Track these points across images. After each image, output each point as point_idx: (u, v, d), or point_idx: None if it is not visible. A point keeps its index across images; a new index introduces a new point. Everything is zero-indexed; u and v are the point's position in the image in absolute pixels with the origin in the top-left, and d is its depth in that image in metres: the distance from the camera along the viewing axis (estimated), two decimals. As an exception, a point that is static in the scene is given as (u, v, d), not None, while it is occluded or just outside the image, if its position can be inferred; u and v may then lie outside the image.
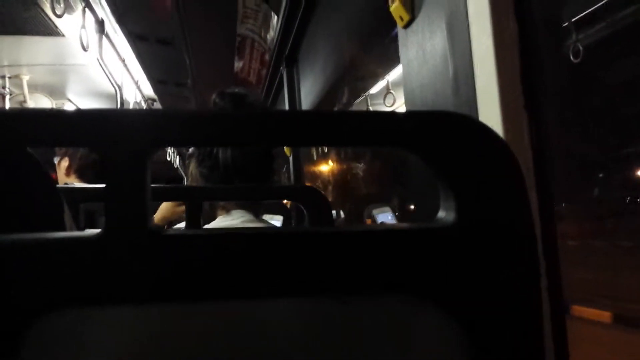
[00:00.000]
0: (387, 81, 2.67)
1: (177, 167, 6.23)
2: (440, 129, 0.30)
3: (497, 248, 0.30)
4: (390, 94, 2.62)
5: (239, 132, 0.28)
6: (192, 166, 1.29)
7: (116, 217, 0.26)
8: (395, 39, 0.91)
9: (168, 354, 0.28)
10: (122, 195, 0.26)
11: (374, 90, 2.95)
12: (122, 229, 0.26)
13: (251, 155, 1.20)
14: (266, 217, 1.73)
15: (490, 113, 0.57)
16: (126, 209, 0.26)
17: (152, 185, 0.28)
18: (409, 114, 0.31)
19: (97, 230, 0.27)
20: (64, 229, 0.49)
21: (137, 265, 0.26)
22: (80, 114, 0.27)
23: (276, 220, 1.79)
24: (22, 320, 0.25)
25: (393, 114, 0.31)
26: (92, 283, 0.26)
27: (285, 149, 2.53)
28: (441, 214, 0.31)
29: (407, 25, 0.82)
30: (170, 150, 5.60)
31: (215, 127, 0.28)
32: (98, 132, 0.27)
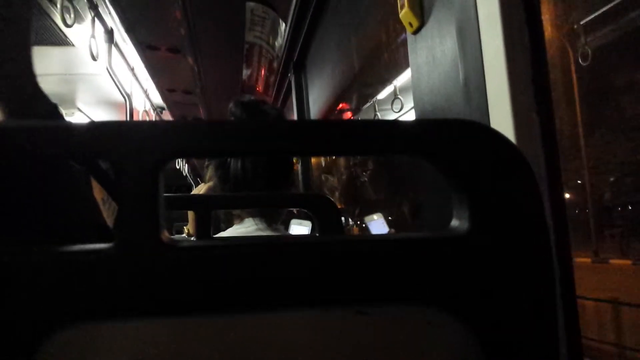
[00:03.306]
0: (395, 87, 2.67)
1: (186, 176, 6.27)
2: (453, 137, 0.30)
3: (512, 256, 0.29)
4: (397, 99, 2.62)
5: (251, 142, 0.28)
6: (209, 174, 1.30)
7: (129, 228, 0.26)
8: (402, 44, 0.91)
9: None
10: (135, 206, 0.26)
11: (381, 95, 2.95)
12: (135, 240, 0.26)
13: (263, 167, 1.20)
14: (294, 222, 1.73)
15: (501, 118, 0.56)
16: (138, 221, 0.26)
17: (162, 194, 0.28)
18: (421, 122, 0.31)
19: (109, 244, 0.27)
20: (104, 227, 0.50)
21: (150, 277, 0.26)
22: (92, 126, 0.27)
23: (305, 227, 1.78)
24: (36, 336, 0.25)
25: (406, 122, 0.30)
26: (106, 296, 0.26)
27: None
28: (454, 222, 0.31)
29: (416, 32, 0.82)
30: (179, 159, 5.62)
31: (226, 138, 0.28)
32: (111, 145, 0.27)
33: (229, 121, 0.29)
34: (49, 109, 0.52)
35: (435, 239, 0.30)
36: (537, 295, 0.29)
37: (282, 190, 1.25)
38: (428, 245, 0.29)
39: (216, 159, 1.20)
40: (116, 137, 0.27)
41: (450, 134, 0.30)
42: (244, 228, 1.23)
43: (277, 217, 1.29)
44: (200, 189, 1.60)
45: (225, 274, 0.27)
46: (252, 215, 1.24)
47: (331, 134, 0.29)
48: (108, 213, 0.52)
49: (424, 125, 0.31)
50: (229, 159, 1.21)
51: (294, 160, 2.59)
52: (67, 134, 0.26)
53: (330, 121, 0.30)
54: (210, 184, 1.52)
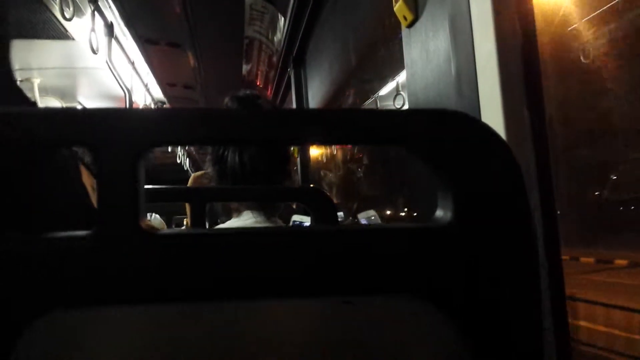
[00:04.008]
0: (397, 82, 2.67)
1: (187, 169, 6.27)
2: (439, 127, 0.30)
3: (496, 248, 0.29)
4: (399, 95, 2.61)
5: (230, 129, 0.28)
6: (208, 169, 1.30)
7: (107, 216, 0.26)
8: (402, 40, 0.91)
9: (163, 354, 0.28)
10: (113, 194, 0.26)
11: (383, 91, 2.94)
12: (113, 228, 0.26)
13: (260, 160, 1.19)
14: (296, 217, 1.73)
15: (492, 112, 0.56)
16: (117, 209, 0.26)
17: (155, 186, 0.28)
18: (407, 112, 0.31)
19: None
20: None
21: (127, 265, 0.26)
22: (71, 113, 0.27)
23: (306, 222, 1.78)
24: (15, 323, 0.25)
25: (392, 111, 0.30)
26: (85, 284, 0.26)
27: (293, 149, 2.53)
28: (439, 213, 0.31)
29: (410, 25, 0.82)
30: (180, 152, 5.63)
31: (206, 125, 0.28)
32: (90, 132, 0.26)
33: (211, 109, 0.29)
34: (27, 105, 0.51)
35: (419, 230, 0.29)
36: (520, 287, 0.29)
37: (279, 184, 1.25)
38: (412, 235, 0.29)
39: (197, 145, 1.20)
40: (96, 125, 0.26)
41: (435, 123, 0.30)
42: (242, 221, 1.23)
43: (275, 210, 1.29)
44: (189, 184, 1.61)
45: (205, 263, 0.27)
46: (250, 208, 1.24)
47: (314, 122, 0.29)
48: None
49: (409, 115, 0.30)
50: (226, 153, 1.21)
51: (294, 154, 2.60)
52: (45, 120, 0.26)
53: (314, 110, 0.30)
54: (197, 174, 1.52)
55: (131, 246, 0.26)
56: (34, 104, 0.52)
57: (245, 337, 0.29)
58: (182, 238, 0.27)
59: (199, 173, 1.57)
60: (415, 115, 0.30)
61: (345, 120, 0.29)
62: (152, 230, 0.27)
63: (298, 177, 2.60)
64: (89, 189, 0.51)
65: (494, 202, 0.29)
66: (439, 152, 0.29)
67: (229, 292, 0.27)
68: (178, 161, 5.75)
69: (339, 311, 0.30)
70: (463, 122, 0.30)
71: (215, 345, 0.29)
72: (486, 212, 0.29)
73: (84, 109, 0.27)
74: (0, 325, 0.25)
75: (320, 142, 0.31)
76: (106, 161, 0.26)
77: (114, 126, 0.27)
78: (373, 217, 1.91)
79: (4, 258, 0.25)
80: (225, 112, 0.29)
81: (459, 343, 0.29)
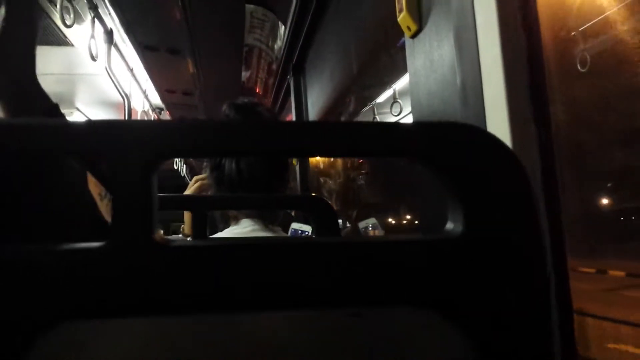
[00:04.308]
0: (394, 90, 2.68)
1: (184, 176, 6.26)
2: (449, 140, 0.30)
3: (505, 260, 0.29)
4: (397, 102, 2.62)
5: (244, 142, 0.28)
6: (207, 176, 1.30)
7: (121, 227, 0.26)
8: (401, 48, 0.91)
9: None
10: (127, 206, 0.26)
11: (380, 99, 2.95)
12: (127, 240, 0.26)
13: (258, 168, 1.20)
14: (295, 225, 1.73)
15: (498, 123, 0.57)
16: (131, 220, 0.26)
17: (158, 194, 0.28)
18: (417, 124, 0.31)
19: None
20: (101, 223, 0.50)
21: (142, 277, 0.26)
22: (86, 125, 0.27)
23: (305, 231, 1.78)
24: (27, 334, 0.25)
25: (401, 124, 0.30)
26: (97, 295, 0.26)
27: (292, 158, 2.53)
28: (449, 225, 0.31)
29: (414, 35, 0.82)
30: (177, 159, 5.63)
31: (219, 137, 0.28)
32: (104, 144, 0.27)
33: (222, 121, 0.29)
34: (50, 108, 0.52)
35: (429, 242, 0.29)
36: (530, 300, 0.29)
37: (277, 191, 1.25)
38: (422, 247, 0.29)
39: (208, 157, 1.21)
40: (109, 136, 0.27)
41: (445, 136, 0.30)
42: (241, 229, 1.23)
43: (274, 218, 1.29)
44: (189, 187, 1.61)
45: (218, 274, 0.27)
46: (249, 216, 1.24)
47: (325, 135, 0.29)
48: (107, 208, 0.52)
49: (419, 128, 0.31)
50: (223, 161, 1.21)
51: (294, 162, 2.60)
52: (60, 132, 0.26)
53: (324, 123, 0.30)
54: (196, 185, 1.52)
55: (145, 258, 0.26)
56: (56, 105, 0.53)
57: (251, 347, 0.29)
58: (196, 250, 0.27)
59: (196, 185, 1.57)
60: (424, 127, 0.30)
61: (354, 133, 0.30)
62: (165, 241, 0.27)
63: (297, 185, 2.61)
64: (96, 197, 0.51)
65: (503, 213, 0.29)
66: (448, 165, 0.29)
67: (243, 304, 0.27)
68: (175, 167, 5.75)
69: (346, 322, 0.30)
70: (472, 134, 0.30)
71: (222, 356, 0.29)
72: (496, 223, 0.29)
73: (97, 121, 0.27)
74: (11, 337, 0.25)
75: (332, 155, 0.31)
76: (119, 173, 0.26)
77: (127, 138, 0.27)
78: (373, 225, 1.91)
79: (16, 268, 0.25)
80: (241, 125, 0.29)
81: (468, 355, 0.29)
